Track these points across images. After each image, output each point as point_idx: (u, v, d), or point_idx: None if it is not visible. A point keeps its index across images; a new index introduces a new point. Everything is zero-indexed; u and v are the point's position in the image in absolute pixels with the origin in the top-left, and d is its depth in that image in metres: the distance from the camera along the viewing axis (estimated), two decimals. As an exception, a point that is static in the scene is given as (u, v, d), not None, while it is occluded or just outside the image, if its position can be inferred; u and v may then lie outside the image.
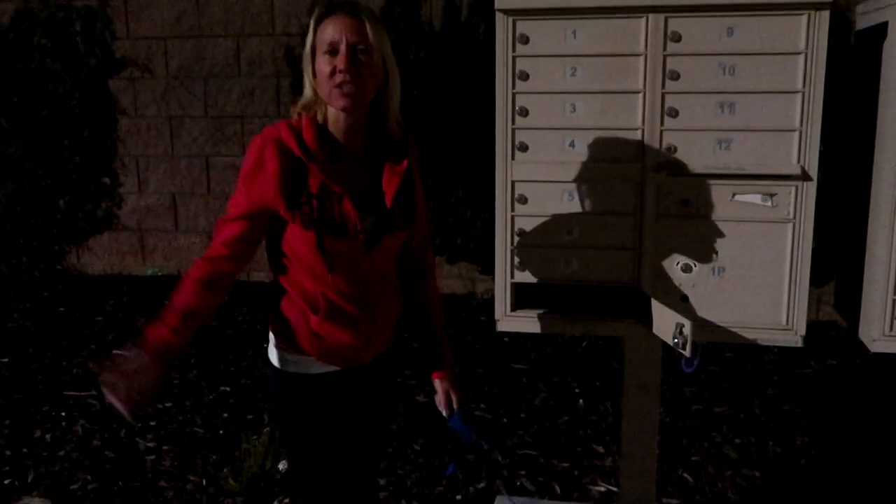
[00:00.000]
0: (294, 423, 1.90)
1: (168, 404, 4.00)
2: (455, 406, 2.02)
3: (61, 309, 5.57)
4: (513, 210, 2.16)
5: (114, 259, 6.37)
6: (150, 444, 3.61)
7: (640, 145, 2.05)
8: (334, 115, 1.78)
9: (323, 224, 1.73)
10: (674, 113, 2.03)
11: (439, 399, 2.03)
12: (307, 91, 1.79)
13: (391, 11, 5.45)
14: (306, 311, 1.81)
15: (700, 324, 2.07)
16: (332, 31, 1.71)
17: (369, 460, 2.06)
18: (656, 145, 2.04)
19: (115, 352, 1.64)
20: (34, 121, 6.17)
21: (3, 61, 6.13)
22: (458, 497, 3.17)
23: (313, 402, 1.88)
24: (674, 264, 2.10)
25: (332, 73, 1.70)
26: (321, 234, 1.73)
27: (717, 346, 4.61)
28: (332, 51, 1.71)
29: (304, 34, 1.78)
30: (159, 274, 6.24)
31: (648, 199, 2.07)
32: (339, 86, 1.70)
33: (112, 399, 1.62)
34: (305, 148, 1.73)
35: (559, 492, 3.22)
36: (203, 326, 1.79)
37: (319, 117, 1.79)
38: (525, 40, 2.07)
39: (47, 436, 3.71)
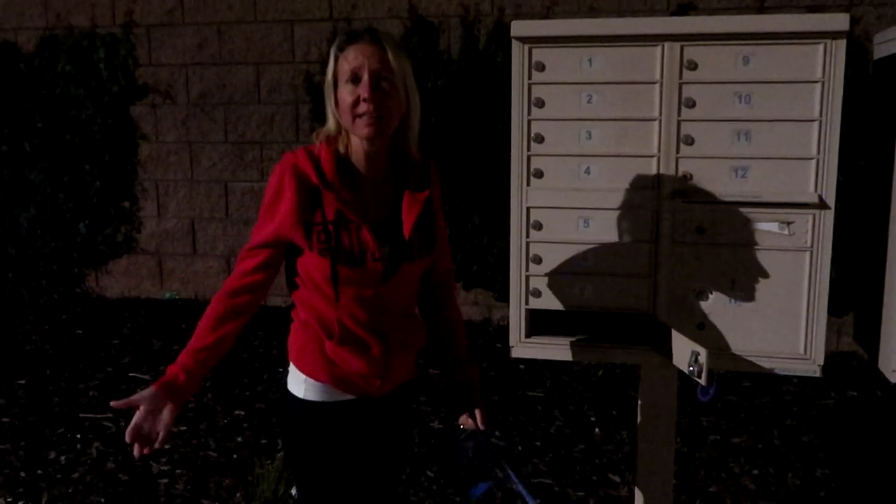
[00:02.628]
0: (306, 450, 1.88)
1: (182, 428, 4.01)
2: (481, 426, 1.92)
3: (79, 332, 5.61)
4: (528, 236, 2.16)
5: (132, 283, 6.42)
6: (163, 468, 3.61)
7: (656, 173, 2.05)
8: (356, 144, 1.77)
9: (338, 253, 1.73)
10: (690, 140, 2.03)
11: (464, 417, 1.94)
12: (330, 121, 1.78)
13: (410, 40, 5.51)
14: (322, 336, 1.80)
15: (716, 352, 2.05)
16: (354, 59, 1.70)
17: (383, 489, 2.03)
18: (672, 173, 2.04)
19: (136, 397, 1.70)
20: (56, 146, 6.25)
21: (28, 87, 6.24)
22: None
23: (327, 431, 1.86)
24: (690, 292, 2.09)
25: (356, 102, 1.69)
26: (335, 263, 1.73)
27: (736, 375, 4.57)
28: (355, 79, 1.70)
29: (324, 62, 1.78)
30: (177, 298, 6.28)
31: (664, 226, 2.07)
32: (363, 115, 1.69)
33: (128, 437, 1.67)
34: (323, 176, 1.73)
35: (574, 522, 3.19)
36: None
37: (341, 146, 1.78)
38: (541, 68, 2.08)
39: (62, 458, 3.72)
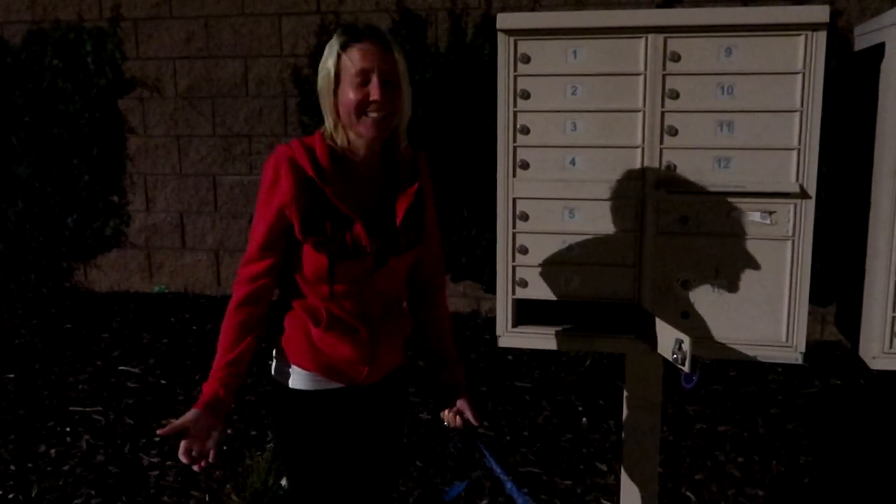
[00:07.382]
0: (294, 440, 1.89)
1: (172, 420, 4.01)
2: (474, 422, 1.94)
3: (68, 325, 5.60)
4: (514, 227, 2.18)
5: (121, 276, 6.41)
6: (153, 460, 3.62)
7: (640, 163, 2.08)
8: (355, 140, 1.78)
9: (336, 249, 1.74)
10: (673, 131, 2.05)
11: (450, 415, 1.95)
12: (327, 118, 1.78)
13: (397, 33, 5.51)
14: (308, 324, 1.81)
15: (700, 340, 2.08)
16: (361, 59, 1.70)
17: (377, 480, 2.03)
18: (656, 163, 2.07)
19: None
20: (44, 140, 6.23)
21: (15, 81, 6.21)
22: (461, 514, 3.17)
23: (314, 420, 1.87)
24: (674, 281, 2.12)
25: (362, 101, 1.70)
26: (333, 260, 1.74)
27: (722, 365, 4.61)
28: (364, 80, 1.70)
29: (311, 55, 1.79)
30: (166, 291, 6.27)
31: (648, 216, 2.09)
32: (371, 116, 1.71)
33: (183, 459, 1.73)
34: (320, 170, 1.73)
35: (562, 510, 3.22)
36: (212, 347, 1.84)
37: (338, 139, 1.78)
38: (526, 60, 2.10)
39: (52, 451, 3.73)
